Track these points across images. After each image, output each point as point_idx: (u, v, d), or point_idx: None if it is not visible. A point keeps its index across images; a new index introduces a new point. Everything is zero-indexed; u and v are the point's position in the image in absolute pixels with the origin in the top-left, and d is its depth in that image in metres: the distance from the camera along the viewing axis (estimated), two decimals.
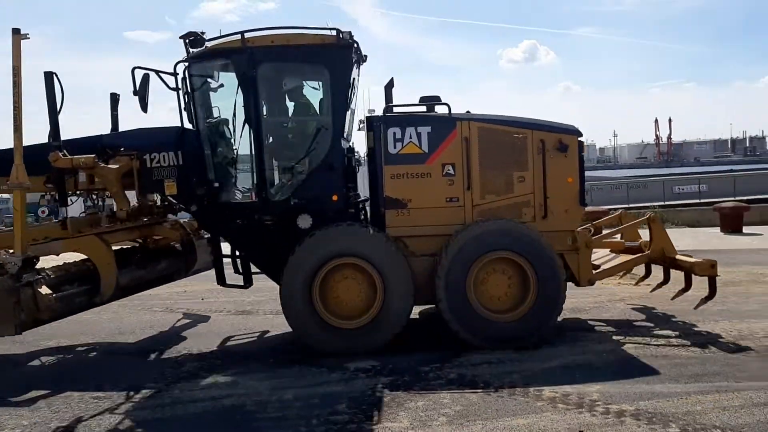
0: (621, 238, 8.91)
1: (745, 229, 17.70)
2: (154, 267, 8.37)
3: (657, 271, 8.84)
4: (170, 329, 8.82)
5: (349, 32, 7.39)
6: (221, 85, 7.83)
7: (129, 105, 8.35)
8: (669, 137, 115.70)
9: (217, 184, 7.67)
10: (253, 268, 8.15)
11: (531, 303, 7.23)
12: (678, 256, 8.10)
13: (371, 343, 7.14)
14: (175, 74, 7.70)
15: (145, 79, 7.53)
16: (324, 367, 6.71)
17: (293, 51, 7.48)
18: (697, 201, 26.88)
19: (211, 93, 7.81)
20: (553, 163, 7.59)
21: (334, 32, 7.33)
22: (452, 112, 7.54)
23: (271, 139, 7.68)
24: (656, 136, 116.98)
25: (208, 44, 7.47)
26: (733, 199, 22.30)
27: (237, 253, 8.12)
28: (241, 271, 8.13)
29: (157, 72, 7.64)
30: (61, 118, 7.44)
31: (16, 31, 6.62)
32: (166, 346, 7.90)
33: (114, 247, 7.75)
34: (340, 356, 6.93)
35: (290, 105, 8.06)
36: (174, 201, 8.17)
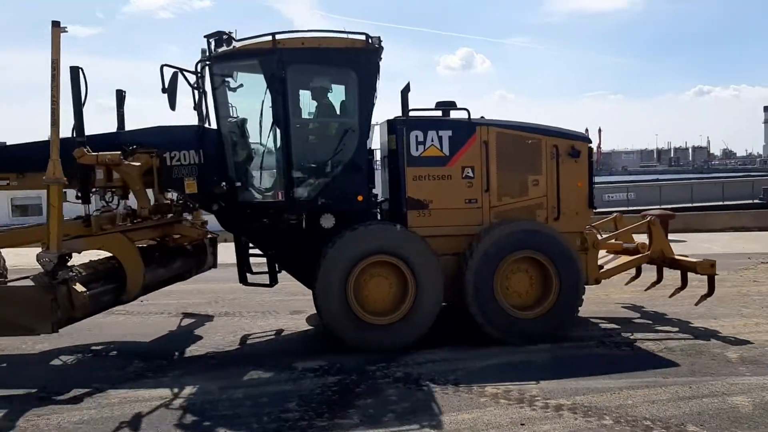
0: (617, 240, 9.24)
1: (670, 236, 18.53)
2: (171, 265, 8.42)
3: (650, 273, 9.39)
4: (112, 330, 8.69)
5: (378, 37, 7.53)
6: (241, 85, 7.86)
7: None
8: (599, 146, 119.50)
9: (239, 183, 7.72)
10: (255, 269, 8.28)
11: (552, 301, 7.57)
12: (678, 257, 8.64)
13: (402, 339, 7.31)
14: (196, 73, 7.78)
15: (174, 77, 7.58)
16: (272, 367, 6.79)
17: (323, 54, 7.60)
18: (626, 208, 27.98)
19: (230, 92, 7.80)
20: (566, 167, 7.98)
21: (362, 37, 7.49)
22: (471, 117, 7.81)
23: (298, 140, 7.69)
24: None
25: (236, 44, 7.58)
26: (659, 207, 23.31)
27: (249, 252, 8.24)
28: (251, 271, 8.26)
29: (180, 70, 7.66)
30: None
31: (55, 24, 6.47)
32: (110, 348, 7.82)
33: None
34: (371, 352, 7.09)
35: (316, 106, 8.08)
36: (192, 200, 8.11)
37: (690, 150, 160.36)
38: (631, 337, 7.69)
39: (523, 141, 7.96)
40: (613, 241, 9.15)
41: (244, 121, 7.93)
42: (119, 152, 7.40)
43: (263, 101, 7.70)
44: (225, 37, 7.64)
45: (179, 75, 7.62)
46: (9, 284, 6.62)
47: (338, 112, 8.03)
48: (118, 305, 7.59)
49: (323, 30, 7.55)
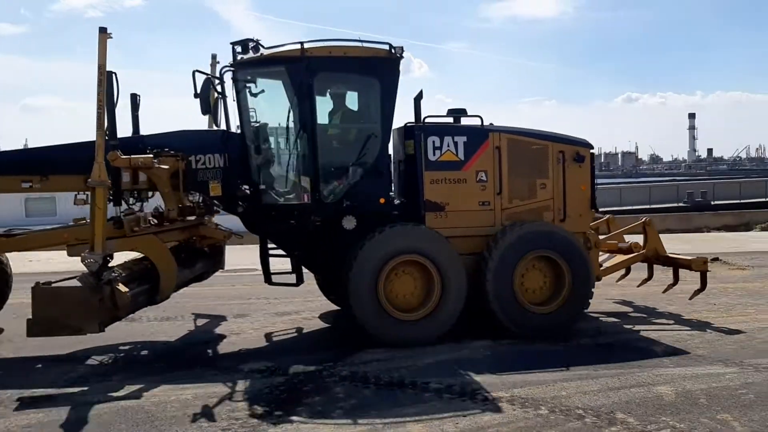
0: (612, 240, 9.80)
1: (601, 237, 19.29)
2: (194, 267, 8.59)
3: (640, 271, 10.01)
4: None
5: (401, 47, 7.79)
6: (262, 91, 8.07)
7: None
8: None
9: (262, 186, 8.02)
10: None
11: (565, 297, 8.01)
12: (672, 255, 9.33)
13: (428, 334, 7.64)
14: (220, 79, 8.01)
15: (207, 82, 7.90)
16: (218, 368, 6.88)
17: (349, 62, 7.85)
18: None
19: (251, 98, 8.00)
20: (571, 172, 8.47)
21: (386, 46, 7.77)
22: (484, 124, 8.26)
23: (325, 144, 7.90)
24: None
25: (264, 51, 7.79)
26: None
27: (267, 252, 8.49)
28: (269, 270, 8.51)
29: (212, 76, 7.99)
30: None
31: (102, 30, 6.60)
32: (57, 351, 7.73)
33: None
34: (400, 346, 7.38)
35: (340, 112, 8.32)
36: (217, 202, 8.30)
37: (619, 155, 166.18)
38: (567, 333, 8.07)
39: (531, 147, 8.43)
40: (609, 240, 9.74)
41: (265, 125, 8.21)
42: (151, 155, 7.47)
43: (284, 107, 8.00)
44: (252, 44, 7.86)
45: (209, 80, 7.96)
46: (56, 285, 6.72)
47: (361, 118, 8.36)
48: (151, 305, 7.73)
49: (348, 39, 7.82)
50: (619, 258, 9.42)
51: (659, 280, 9.82)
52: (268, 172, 8.21)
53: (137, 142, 7.88)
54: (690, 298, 9.20)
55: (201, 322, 9.16)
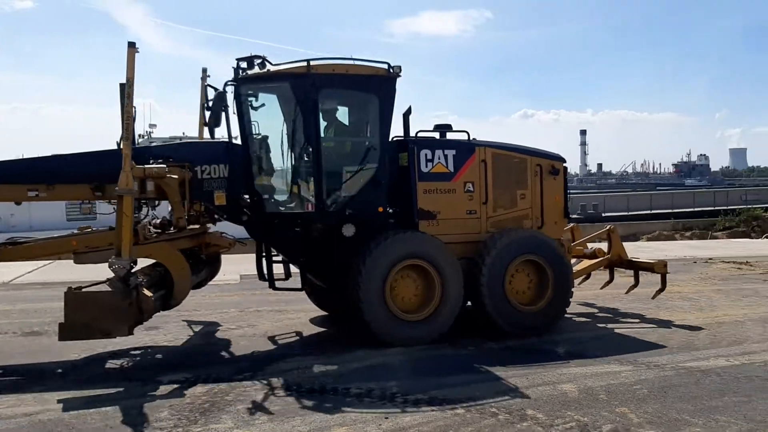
0: (578, 246, 10.67)
1: None
2: (200, 273, 8.81)
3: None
4: None
5: (399, 67, 8.28)
6: (263, 105, 8.50)
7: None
8: None
9: (266, 196, 8.43)
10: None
11: (549, 298, 8.71)
12: (635, 259, 10.41)
13: (431, 332, 8.17)
14: (223, 93, 8.22)
15: (220, 96, 8.13)
16: (137, 380, 6.80)
17: (351, 79, 8.31)
18: None
19: (253, 111, 8.41)
20: (547, 183, 9.23)
21: (384, 65, 8.25)
22: (471, 138, 8.87)
23: (328, 156, 8.24)
24: None
25: (271, 68, 8.20)
26: None
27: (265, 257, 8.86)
28: (268, 276, 8.84)
29: (222, 91, 8.19)
30: None
31: (131, 45, 6.86)
32: None
33: None
34: (405, 345, 7.92)
35: (342, 126, 8.81)
36: (221, 211, 8.44)
37: None
38: (474, 338, 8.47)
39: (512, 160, 9.12)
40: (577, 246, 10.59)
41: (266, 137, 8.57)
42: (164, 165, 7.66)
43: (287, 120, 8.47)
44: (258, 61, 8.25)
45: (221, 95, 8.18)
46: (87, 290, 6.91)
47: (361, 132, 8.88)
48: (164, 310, 8.02)
49: (349, 58, 8.24)
50: (587, 262, 10.35)
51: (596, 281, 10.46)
52: (271, 182, 8.63)
53: (144, 152, 8.11)
54: (653, 297, 10.18)
55: None
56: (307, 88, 8.03)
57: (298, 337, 8.78)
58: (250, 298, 11.55)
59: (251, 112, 8.38)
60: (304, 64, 7.95)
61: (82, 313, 6.71)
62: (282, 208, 8.55)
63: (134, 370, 7.27)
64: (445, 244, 8.37)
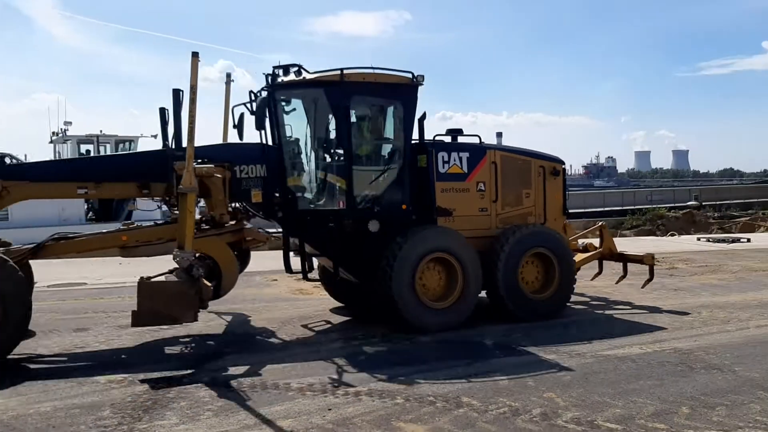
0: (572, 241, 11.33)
1: None
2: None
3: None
4: None
5: (422, 76, 9.03)
6: (294, 109, 9.22)
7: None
8: None
9: (299, 194, 9.06)
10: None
11: (556, 286, 9.61)
12: (625, 252, 11.29)
13: (454, 319, 8.90)
14: (255, 99, 9.03)
15: (264, 101, 8.81)
16: (73, 381, 6.72)
17: (378, 87, 9.02)
18: None
19: (286, 115, 9.08)
20: (549, 183, 10.15)
21: (409, 75, 8.98)
22: (481, 142, 9.78)
23: (357, 158, 9.01)
24: None
25: (307, 75, 8.80)
26: None
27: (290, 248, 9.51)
28: (291, 267, 9.56)
29: (267, 97, 8.86)
30: None
31: (195, 55, 7.47)
32: None
33: None
34: (431, 332, 8.59)
35: (371, 130, 9.43)
36: (258, 209, 9.04)
37: None
38: (410, 333, 8.78)
39: (519, 162, 10.00)
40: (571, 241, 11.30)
41: (298, 140, 9.31)
42: (212, 165, 8.16)
43: (318, 123, 9.31)
44: (295, 69, 8.85)
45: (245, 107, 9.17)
46: (157, 280, 7.59)
47: (388, 135, 9.50)
48: (215, 299, 8.48)
49: (377, 67, 8.92)
50: (580, 256, 11.08)
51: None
52: (303, 181, 9.31)
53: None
54: (642, 287, 11.14)
55: (41, 338, 8.73)
56: (339, 95, 8.75)
57: (233, 337, 8.83)
58: None
59: (284, 116, 9.04)
60: (338, 72, 8.63)
61: (153, 301, 7.25)
62: (314, 206, 9.20)
63: (69, 371, 7.16)
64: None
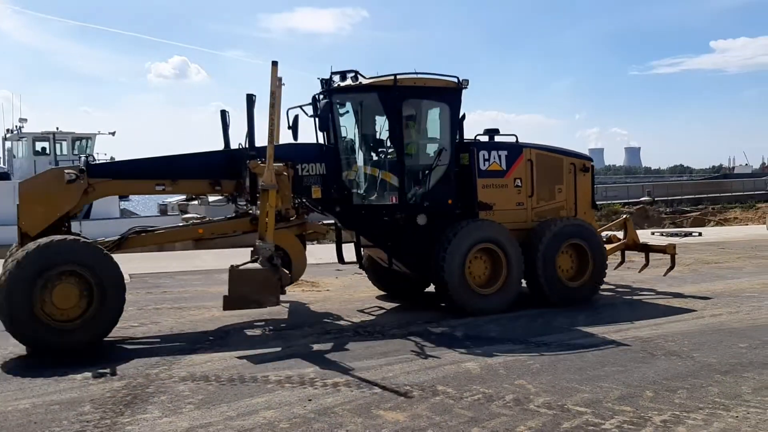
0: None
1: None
2: None
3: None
4: None
5: (466, 80, 9.83)
6: (348, 111, 10.03)
7: None
8: None
9: (354, 190, 9.81)
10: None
11: (590, 274, 10.33)
12: (649, 242, 12.31)
13: (500, 304, 9.64)
14: (314, 103, 9.76)
15: (327, 105, 9.52)
16: (49, 378, 6.71)
17: (427, 90, 9.87)
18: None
19: (341, 117, 9.87)
20: (579, 179, 10.87)
21: (454, 79, 9.77)
22: (519, 141, 10.48)
23: (408, 156, 9.79)
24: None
25: (362, 80, 9.62)
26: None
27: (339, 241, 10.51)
28: (343, 258, 10.37)
29: (301, 107, 9.89)
30: None
31: (274, 64, 8.25)
32: None
33: None
34: (480, 314, 9.37)
35: (420, 130, 10.32)
36: (317, 204, 9.69)
37: None
38: (377, 327, 8.97)
39: (552, 159, 10.71)
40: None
41: (353, 140, 10.06)
42: (283, 164, 8.68)
43: (372, 125, 10.15)
44: (352, 74, 9.67)
45: (300, 109, 9.85)
46: (245, 267, 8.13)
47: (435, 136, 10.27)
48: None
49: (426, 73, 9.77)
50: (606, 246, 11.57)
51: None
52: (358, 178, 10.05)
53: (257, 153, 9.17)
54: (664, 274, 11.86)
55: (6, 337, 8.64)
56: (393, 98, 9.49)
57: (204, 333, 8.87)
58: (146, 297, 11.46)
59: (339, 117, 9.80)
60: (392, 78, 9.42)
61: (243, 287, 7.93)
62: (369, 201, 9.89)
63: (43, 369, 7.11)
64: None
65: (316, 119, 9.57)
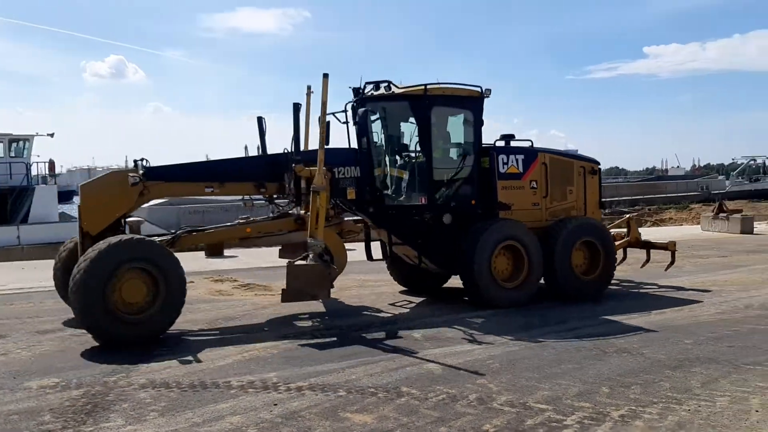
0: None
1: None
2: None
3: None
4: None
5: (489, 89, 10.60)
6: (379, 118, 10.72)
7: None
8: None
9: (386, 192, 10.62)
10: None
11: (601, 269, 11.07)
12: (651, 240, 12.99)
13: (522, 297, 10.34)
14: (346, 111, 10.70)
15: (365, 113, 10.40)
16: (4, 388, 6.51)
17: (454, 99, 10.63)
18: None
19: (374, 124, 10.64)
20: (588, 181, 11.72)
21: (478, 88, 10.54)
22: (534, 146, 11.29)
23: (437, 160, 10.51)
24: None
25: (395, 90, 10.43)
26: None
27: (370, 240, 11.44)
28: (372, 256, 11.34)
29: (333, 114, 10.63)
30: None
31: (325, 76, 8.82)
32: None
33: None
34: (505, 307, 10.08)
35: (447, 136, 11.04)
36: (352, 204, 10.38)
37: None
38: (336, 328, 9.01)
39: (564, 163, 11.53)
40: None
41: (383, 145, 10.76)
42: (324, 168, 9.08)
43: (403, 131, 10.93)
44: (385, 84, 10.51)
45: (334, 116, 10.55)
46: (299, 263, 8.71)
47: (460, 141, 10.96)
48: None
49: (453, 83, 10.56)
50: None
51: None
52: (390, 181, 10.82)
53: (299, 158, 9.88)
54: (665, 270, 12.68)
55: None
56: (423, 107, 10.24)
57: (160, 339, 8.69)
58: None
59: (371, 124, 10.54)
60: (422, 87, 10.16)
61: (299, 281, 8.50)
62: (399, 202, 10.66)
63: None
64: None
65: (356, 126, 10.48)
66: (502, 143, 11.19)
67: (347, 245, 10.89)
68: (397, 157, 10.98)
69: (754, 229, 23.69)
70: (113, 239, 8.27)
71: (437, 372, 6.95)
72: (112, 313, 7.99)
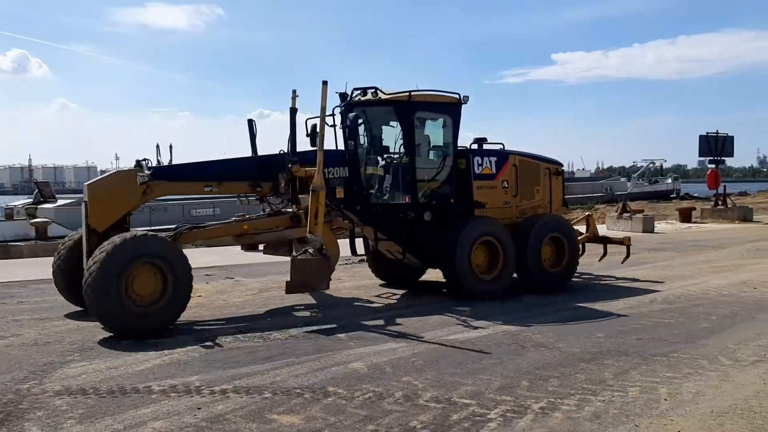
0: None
1: None
2: None
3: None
4: None
5: (467, 96, 11.36)
6: (366, 122, 11.47)
7: None
8: (170, 162, 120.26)
9: (372, 191, 11.34)
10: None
11: (567, 262, 11.93)
12: (608, 235, 14.79)
13: (499, 288, 11.10)
14: (333, 115, 11.33)
15: (356, 117, 11.24)
16: None
17: (435, 105, 11.44)
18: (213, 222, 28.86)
19: (360, 127, 11.39)
20: (553, 181, 12.60)
21: (457, 95, 11.29)
22: (505, 148, 12.18)
23: (419, 161, 11.26)
24: (158, 161, 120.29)
25: (381, 95, 11.16)
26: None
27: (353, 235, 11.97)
28: (356, 251, 12.02)
29: (358, 112, 11.37)
30: None
31: (324, 83, 9.38)
32: None
33: None
34: (483, 298, 10.77)
35: (427, 139, 11.77)
36: (340, 203, 10.80)
37: None
38: (261, 328, 8.91)
39: (532, 164, 12.36)
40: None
41: (369, 147, 11.54)
42: (316, 168, 9.48)
43: (387, 134, 11.64)
44: (372, 90, 11.19)
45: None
46: (302, 257, 9.16)
47: (439, 144, 11.76)
48: None
49: (435, 90, 11.39)
50: None
51: None
52: (375, 181, 11.59)
53: (284, 158, 10.42)
54: (622, 262, 13.75)
55: None
56: (407, 111, 11.00)
57: (72, 344, 8.37)
58: (2, 308, 10.65)
59: (358, 128, 11.30)
60: (407, 93, 10.93)
61: (302, 274, 9.05)
62: (384, 201, 11.42)
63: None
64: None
65: (344, 129, 11.11)
66: (476, 146, 11.99)
67: None
68: (383, 159, 11.70)
69: (655, 228, 25.05)
70: (127, 235, 8.73)
71: (362, 371, 7.00)
72: (126, 305, 8.41)
